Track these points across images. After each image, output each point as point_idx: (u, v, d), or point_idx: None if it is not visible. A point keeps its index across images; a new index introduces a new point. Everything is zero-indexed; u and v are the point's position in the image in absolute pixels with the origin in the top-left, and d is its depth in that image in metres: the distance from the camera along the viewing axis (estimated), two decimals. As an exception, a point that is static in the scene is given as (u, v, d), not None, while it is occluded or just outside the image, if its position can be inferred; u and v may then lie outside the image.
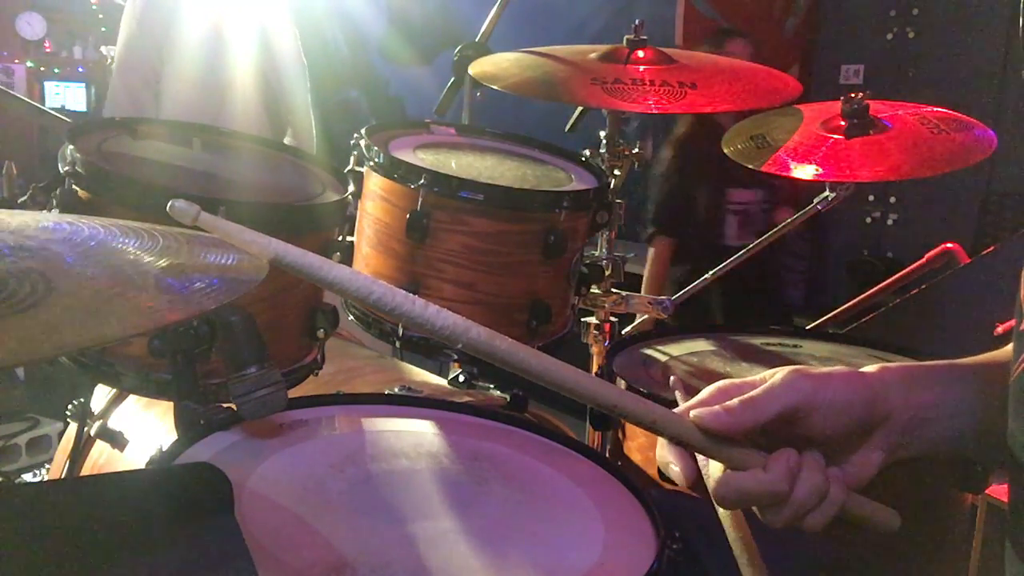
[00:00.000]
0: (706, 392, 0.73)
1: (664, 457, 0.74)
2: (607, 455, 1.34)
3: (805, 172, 1.50)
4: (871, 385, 0.73)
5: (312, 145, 2.75)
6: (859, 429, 0.72)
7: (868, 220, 3.15)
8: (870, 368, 0.74)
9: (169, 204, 0.62)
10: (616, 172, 1.60)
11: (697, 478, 0.73)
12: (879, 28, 3.08)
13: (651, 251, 3.13)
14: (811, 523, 0.71)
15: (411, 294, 0.64)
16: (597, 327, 1.62)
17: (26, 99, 2.01)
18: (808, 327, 1.89)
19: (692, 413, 0.71)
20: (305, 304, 1.21)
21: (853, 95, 1.52)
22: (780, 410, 0.70)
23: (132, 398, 1.37)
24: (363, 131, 1.34)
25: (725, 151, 1.64)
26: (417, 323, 0.64)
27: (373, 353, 1.69)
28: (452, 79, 1.77)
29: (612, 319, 1.63)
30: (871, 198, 3.12)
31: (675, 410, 0.73)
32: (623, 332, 1.68)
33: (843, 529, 0.75)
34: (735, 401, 0.71)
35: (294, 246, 0.63)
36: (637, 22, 1.56)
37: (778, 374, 0.72)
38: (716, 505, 0.75)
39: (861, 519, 0.77)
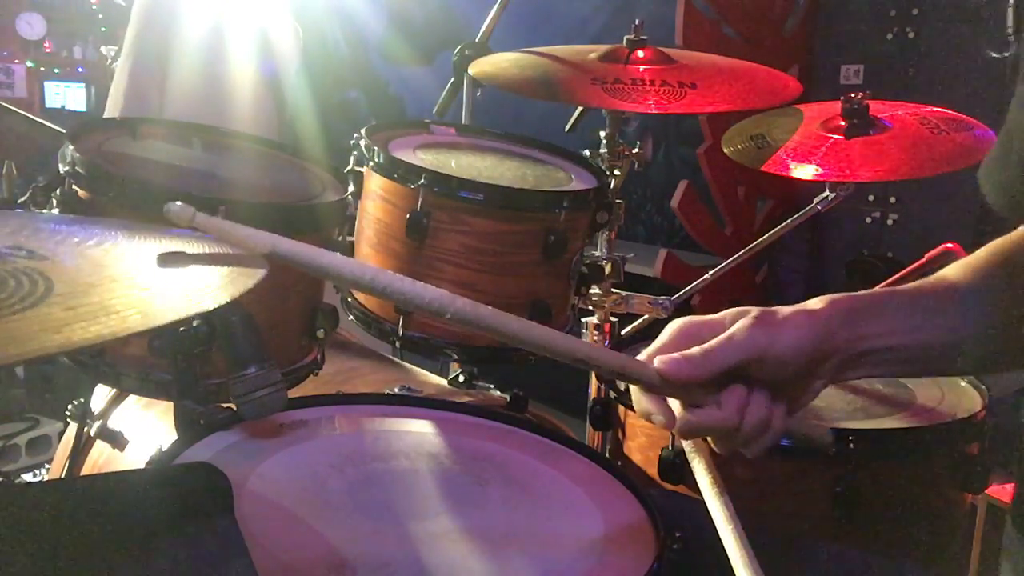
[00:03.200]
0: (667, 334, 0.81)
1: (645, 407, 0.80)
2: (607, 455, 1.34)
3: (805, 172, 1.50)
4: (820, 322, 0.78)
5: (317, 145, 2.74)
6: (807, 368, 0.79)
7: (868, 220, 3.15)
8: (816, 304, 0.80)
9: (165, 207, 0.63)
10: (616, 172, 1.60)
11: (674, 423, 0.80)
12: (879, 28, 3.07)
13: None
14: (754, 449, 0.81)
15: (400, 274, 0.69)
16: (597, 327, 1.62)
17: (24, 113, 2.01)
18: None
19: (656, 361, 0.77)
20: (305, 304, 1.21)
21: (853, 95, 1.52)
22: (736, 362, 0.77)
23: (132, 398, 1.37)
24: (363, 131, 1.34)
25: (725, 151, 1.64)
26: (407, 299, 0.69)
27: (373, 353, 1.68)
28: (452, 79, 1.77)
29: (612, 319, 1.63)
30: (871, 198, 3.11)
31: (639, 356, 0.80)
32: (623, 332, 1.68)
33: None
34: (696, 351, 0.77)
35: (287, 238, 0.66)
36: (637, 22, 1.56)
37: (738, 322, 0.78)
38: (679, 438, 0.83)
39: (800, 438, 0.91)
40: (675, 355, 0.77)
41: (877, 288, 0.88)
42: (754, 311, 0.78)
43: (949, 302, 0.83)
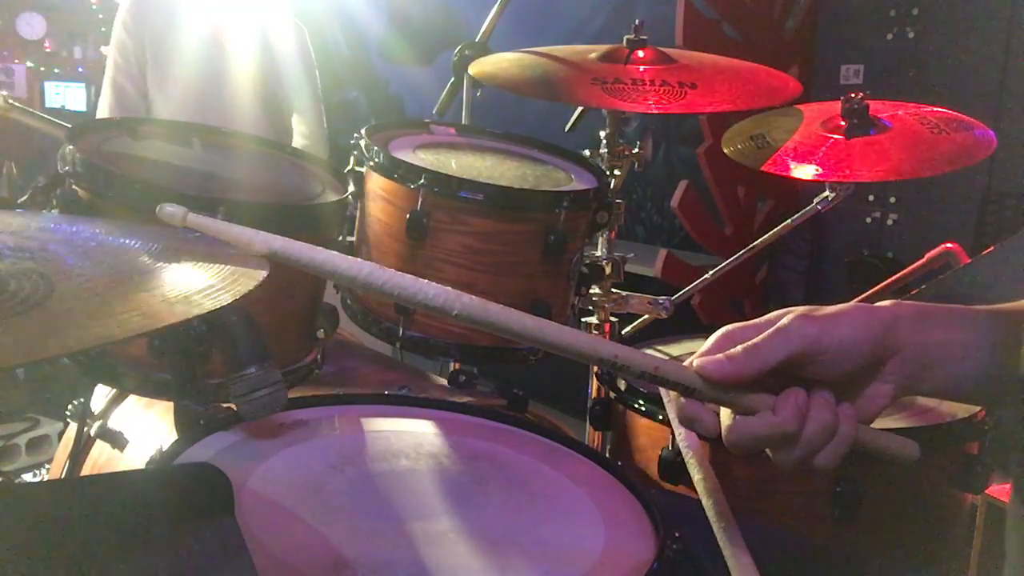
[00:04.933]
0: (712, 340, 0.73)
1: (685, 412, 0.73)
2: (607, 455, 1.34)
3: (805, 172, 1.50)
4: (882, 320, 0.72)
5: (324, 144, 2.74)
6: (868, 365, 0.71)
7: (868, 220, 3.14)
8: (884, 303, 0.74)
9: (157, 208, 0.63)
10: (616, 172, 1.60)
11: (718, 430, 0.73)
12: (879, 28, 3.07)
13: None
14: (823, 461, 0.71)
15: (399, 271, 0.67)
16: (597, 327, 1.62)
17: (35, 111, 2.01)
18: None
19: (695, 362, 0.71)
20: (305, 304, 1.21)
21: (853, 95, 1.52)
22: (784, 357, 0.69)
23: (132, 398, 1.37)
24: (363, 131, 1.34)
25: (725, 151, 1.64)
26: (409, 296, 0.66)
27: (373, 353, 1.68)
28: (452, 79, 1.77)
29: (612, 319, 1.63)
30: (871, 198, 3.11)
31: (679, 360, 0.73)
32: (623, 332, 1.68)
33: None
34: (738, 349, 0.70)
35: (282, 236, 0.66)
36: (637, 22, 1.56)
37: (784, 318, 0.71)
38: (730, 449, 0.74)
39: (877, 451, 0.76)
40: (717, 356, 0.71)
41: (953, 305, 0.78)
42: (804, 308, 0.72)
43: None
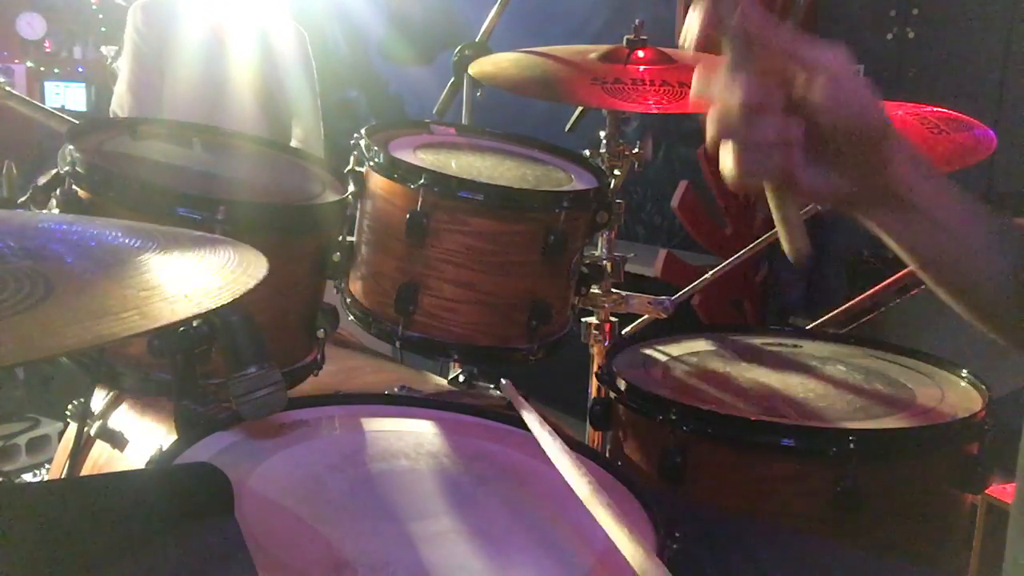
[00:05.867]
0: None
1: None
2: (607, 455, 1.34)
3: (805, 172, 1.49)
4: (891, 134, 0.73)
5: (320, 148, 2.75)
6: (852, 146, 0.73)
7: (868, 220, 3.15)
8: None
9: None
10: (616, 172, 1.61)
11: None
12: (879, 28, 3.07)
13: None
14: (743, 154, 0.71)
15: None
16: (597, 327, 1.61)
17: (43, 105, 2.02)
18: (808, 327, 1.89)
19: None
20: (305, 304, 1.21)
21: (853, 95, 1.52)
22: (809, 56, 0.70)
23: (132, 398, 1.37)
24: (363, 131, 1.34)
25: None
26: None
27: (373, 353, 1.68)
28: (452, 79, 1.77)
29: (612, 319, 1.63)
30: (871, 198, 3.12)
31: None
32: (623, 332, 1.68)
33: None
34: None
35: None
36: (637, 22, 1.56)
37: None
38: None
39: (783, 221, 0.78)
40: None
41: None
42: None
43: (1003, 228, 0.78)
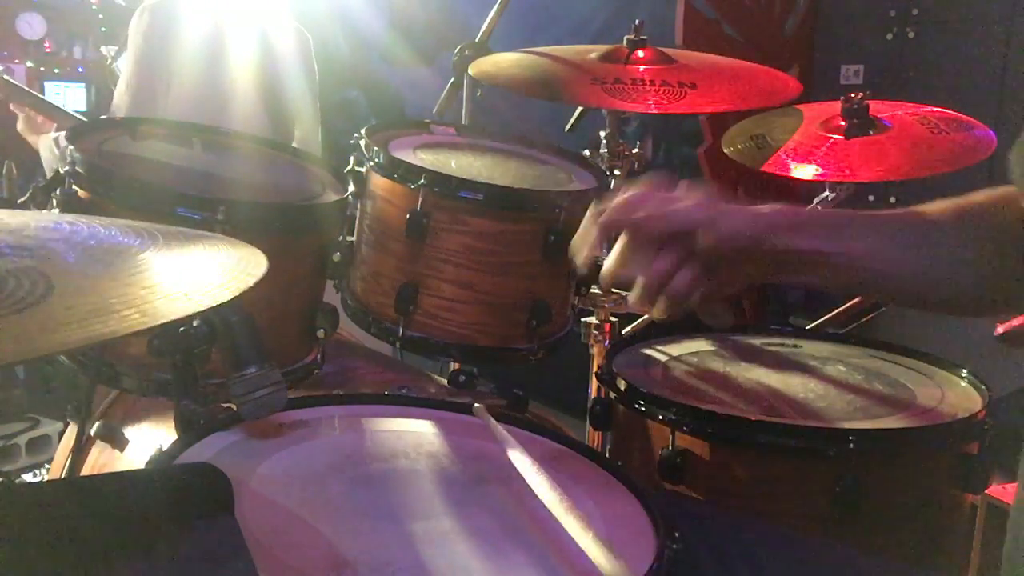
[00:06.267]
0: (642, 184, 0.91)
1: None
2: (607, 455, 1.33)
3: (805, 172, 1.50)
4: (760, 225, 0.86)
5: (317, 149, 2.74)
6: (737, 256, 0.87)
7: (868, 220, 3.15)
8: (764, 208, 0.87)
9: None
10: (616, 172, 1.61)
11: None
12: (879, 28, 3.07)
13: None
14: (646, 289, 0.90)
15: None
16: (597, 327, 1.61)
17: (48, 100, 2.02)
18: (808, 327, 1.89)
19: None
20: (305, 304, 1.21)
21: (853, 95, 1.52)
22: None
23: (132, 398, 1.37)
24: (363, 131, 1.34)
25: (725, 151, 1.64)
26: None
27: (373, 353, 1.68)
28: (452, 79, 1.77)
29: (612, 319, 1.63)
30: (871, 198, 3.11)
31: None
32: (623, 332, 1.68)
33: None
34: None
35: None
36: (637, 22, 1.56)
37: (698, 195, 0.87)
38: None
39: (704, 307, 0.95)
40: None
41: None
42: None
43: (924, 234, 0.88)
